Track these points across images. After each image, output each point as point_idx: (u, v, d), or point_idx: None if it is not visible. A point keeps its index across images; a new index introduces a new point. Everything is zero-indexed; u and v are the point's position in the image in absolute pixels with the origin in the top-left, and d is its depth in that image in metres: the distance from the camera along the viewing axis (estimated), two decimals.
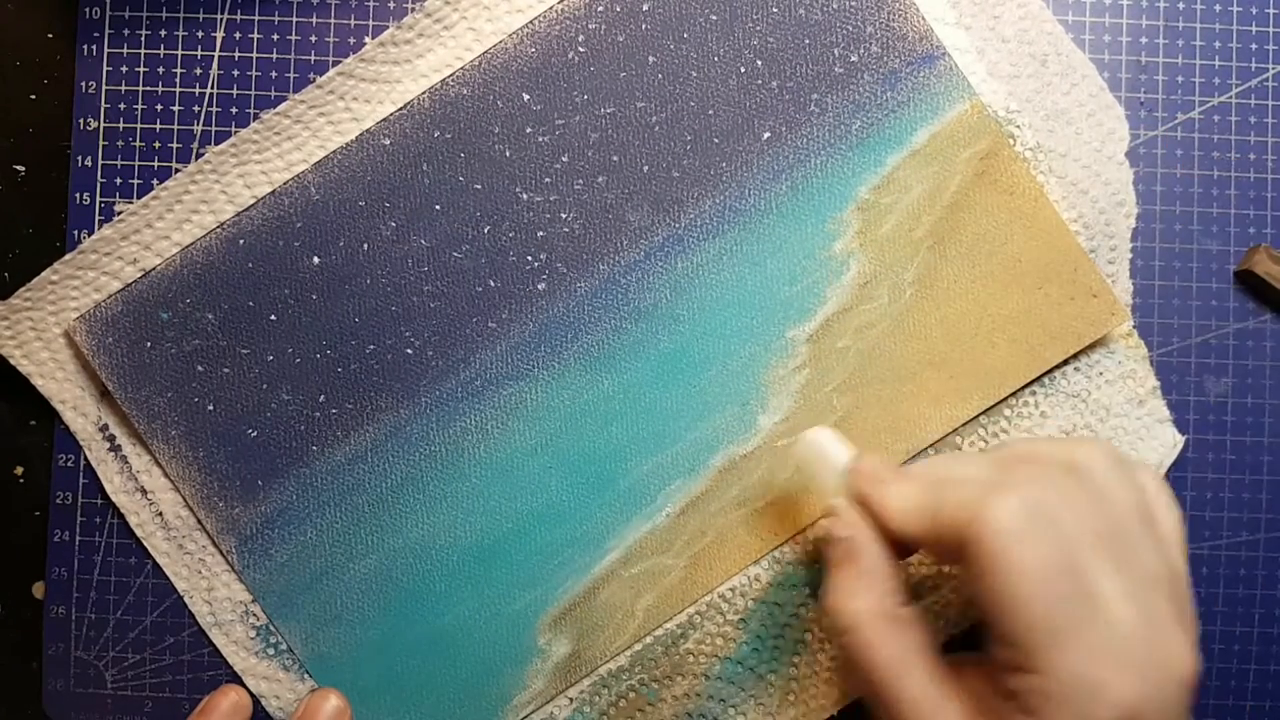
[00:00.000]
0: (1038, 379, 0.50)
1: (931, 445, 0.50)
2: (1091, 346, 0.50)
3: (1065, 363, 0.50)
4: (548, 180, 0.49)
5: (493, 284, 0.49)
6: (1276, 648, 0.51)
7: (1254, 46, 0.52)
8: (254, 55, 0.51)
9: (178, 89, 0.51)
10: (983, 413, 0.50)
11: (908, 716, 0.41)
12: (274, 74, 0.51)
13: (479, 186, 0.49)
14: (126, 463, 0.50)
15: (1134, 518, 0.40)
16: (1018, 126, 0.51)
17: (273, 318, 0.49)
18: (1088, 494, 0.40)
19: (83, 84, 0.51)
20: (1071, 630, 0.37)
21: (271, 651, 0.50)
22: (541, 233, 0.49)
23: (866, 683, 0.42)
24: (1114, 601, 0.38)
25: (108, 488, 0.50)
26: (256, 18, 0.51)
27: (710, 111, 0.50)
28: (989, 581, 0.38)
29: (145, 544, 0.51)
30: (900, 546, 0.43)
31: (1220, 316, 0.52)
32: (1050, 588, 0.38)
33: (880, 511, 0.43)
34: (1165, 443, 0.51)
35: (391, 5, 0.51)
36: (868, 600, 0.42)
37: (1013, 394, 0.50)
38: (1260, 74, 0.52)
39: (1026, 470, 0.40)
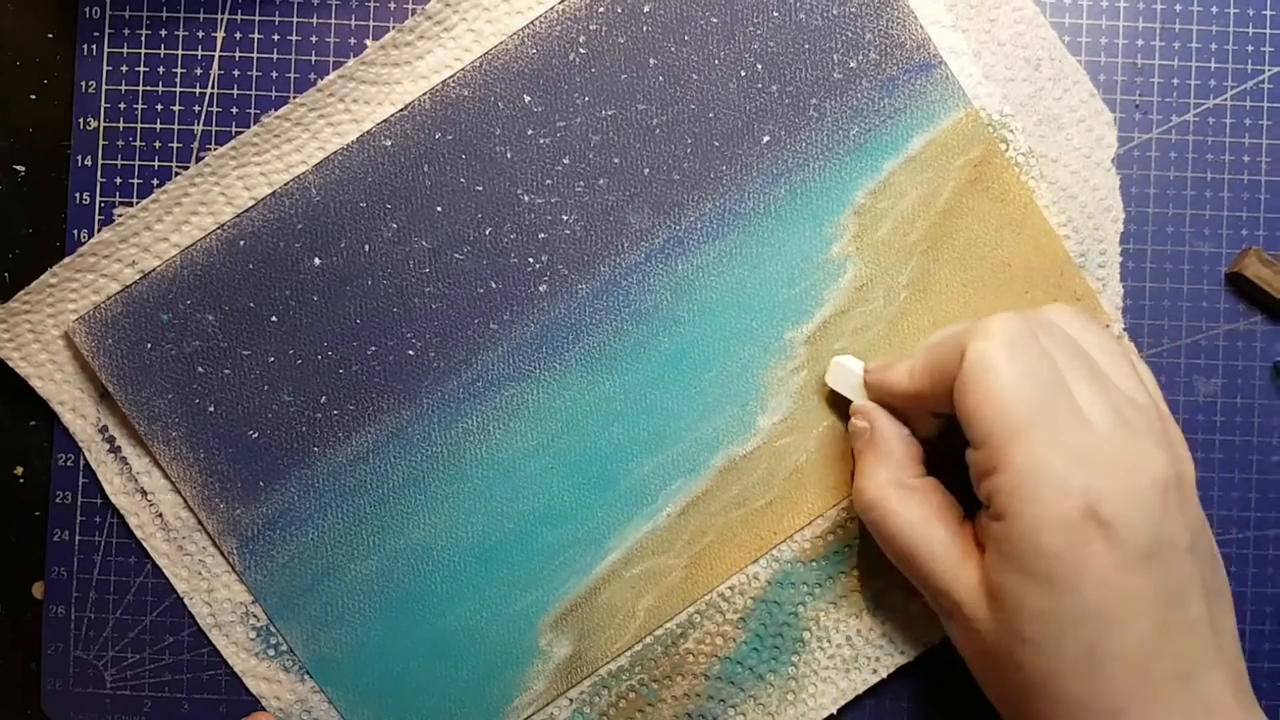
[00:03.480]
0: None
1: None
2: None
3: None
4: (549, 182, 0.50)
5: (494, 285, 0.50)
6: (1268, 645, 0.52)
7: (1249, 49, 0.52)
8: (254, 55, 0.51)
9: (178, 89, 0.51)
10: None
11: (932, 576, 0.43)
12: (274, 74, 0.51)
13: (480, 188, 0.49)
14: (126, 464, 0.50)
15: (1113, 352, 0.42)
16: (1011, 131, 0.51)
17: (274, 319, 0.49)
18: (1068, 331, 0.42)
19: (83, 84, 0.51)
20: (1039, 426, 0.38)
21: (272, 653, 0.51)
22: (543, 234, 0.50)
23: (893, 551, 0.45)
24: (1086, 407, 0.39)
25: (107, 489, 0.50)
26: (256, 18, 0.51)
27: (711, 115, 0.50)
28: (970, 393, 0.40)
29: (145, 545, 0.50)
30: (924, 429, 0.46)
31: (1211, 318, 0.52)
32: (1019, 388, 0.39)
33: (889, 388, 0.46)
34: None
35: (392, 6, 0.51)
36: (885, 474, 0.45)
37: None
38: (1255, 77, 0.52)
39: (1007, 311, 0.42)
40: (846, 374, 0.49)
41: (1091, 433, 0.38)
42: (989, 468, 0.39)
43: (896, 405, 0.46)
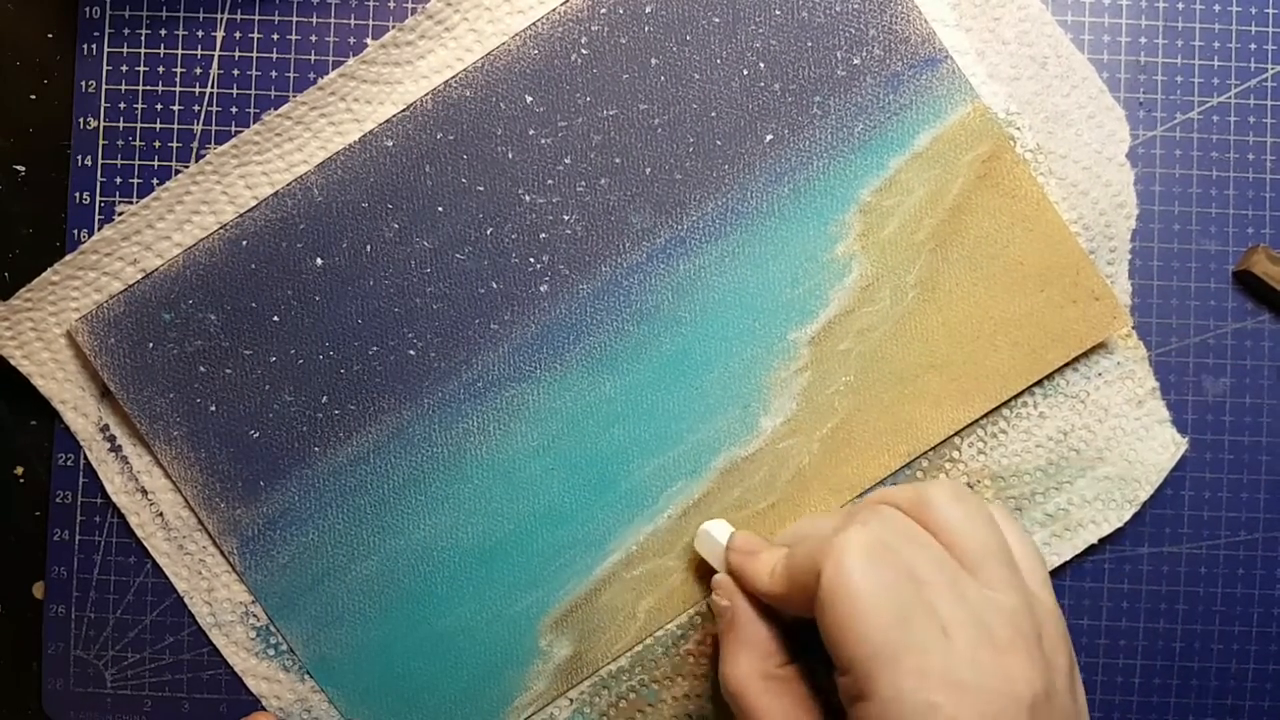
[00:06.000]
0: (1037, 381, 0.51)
1: (931, 448, 0.50)
2: (1090, 348, 0.50)
3: (1064, 364, 0.51)
4: (550, 182, 0.49)
5: (495, 286, 0.49)
6: (1275, 647, 0.51)
7: (1253, 47, 0.52)
8: (254, 55, 0.51)
9: (178, 89, 0.51)
10: (983, 415, 0.50)
11: None
12: (274, 74, 0.51)
13: (482, 188, 0.49)
14: (127, 463, 0.50)
15: (980, 550, 0.40)
16: (1018, 128, 0.51)
17: (275, 319, 0.49)
18: (931, 528, 0.40)
19: (83, 84, 0.51)
20: (901, 653, 0.37)
21: (271, 652, 0.51)
22: (544, 234, 0.49)
23: None
24: (950, 625, 0.38)
25: (108, 488, 0.50)
26: (256, 18, 0.51)
27: (713, 114, 0.50)
28: (829, 616, 0.38)
29: (145, 544, 0.50)
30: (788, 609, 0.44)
31: (1218, 316, 0.52)
32: (881, 613, 0.37)
33: (750, 581, 0.44)
34: (1164, 443, 0.51)
35: (392, 5, 0.51)
36: (748, 664, 0.44)
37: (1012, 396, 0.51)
38: (1259, 74, 0.52)
39: (870, 512, 0.41)
40: (712, 543, 0.48)
41: (953, 654, 0.37)
42: (855, 694, 0.38)
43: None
